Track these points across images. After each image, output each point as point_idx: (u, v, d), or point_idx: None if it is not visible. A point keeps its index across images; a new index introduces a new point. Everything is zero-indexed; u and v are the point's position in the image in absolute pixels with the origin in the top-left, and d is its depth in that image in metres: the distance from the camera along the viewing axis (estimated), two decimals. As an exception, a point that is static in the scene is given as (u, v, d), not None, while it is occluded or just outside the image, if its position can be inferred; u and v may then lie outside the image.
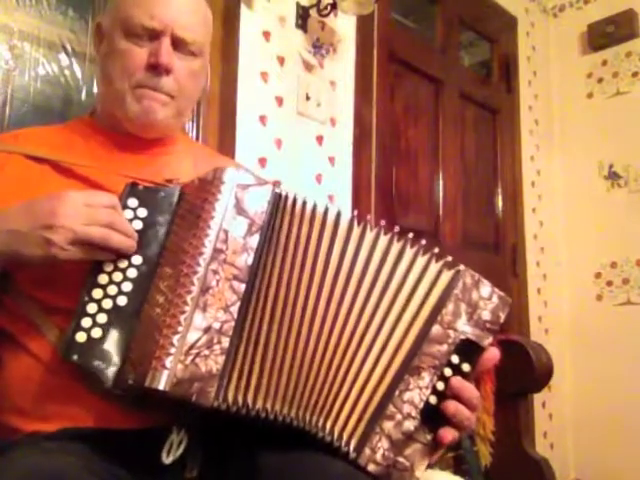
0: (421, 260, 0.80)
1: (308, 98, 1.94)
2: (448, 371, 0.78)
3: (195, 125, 1.70)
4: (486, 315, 0.80)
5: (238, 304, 0.72)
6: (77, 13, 1.50)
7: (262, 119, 1.82)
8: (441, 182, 2.46)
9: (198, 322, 0.69)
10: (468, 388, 0.78)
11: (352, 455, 0.75)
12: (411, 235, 0.81)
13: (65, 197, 0.72)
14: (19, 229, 0.72)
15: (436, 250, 0.81)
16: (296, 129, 1.91)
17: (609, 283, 2.76)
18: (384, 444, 0.75)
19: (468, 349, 0.78)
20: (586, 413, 2.75)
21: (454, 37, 2.67)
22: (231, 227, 0.73)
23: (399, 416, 0.76)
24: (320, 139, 1.99)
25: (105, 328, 0.72)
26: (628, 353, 2.63)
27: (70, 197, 0.72)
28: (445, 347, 0.78)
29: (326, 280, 0.77)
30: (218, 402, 0.69)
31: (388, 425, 0.75)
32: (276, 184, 0.79)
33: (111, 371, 0.71)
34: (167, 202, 0.78)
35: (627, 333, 2.65)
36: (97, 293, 0.73)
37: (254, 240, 0.74)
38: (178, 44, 0.91)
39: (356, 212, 0.81)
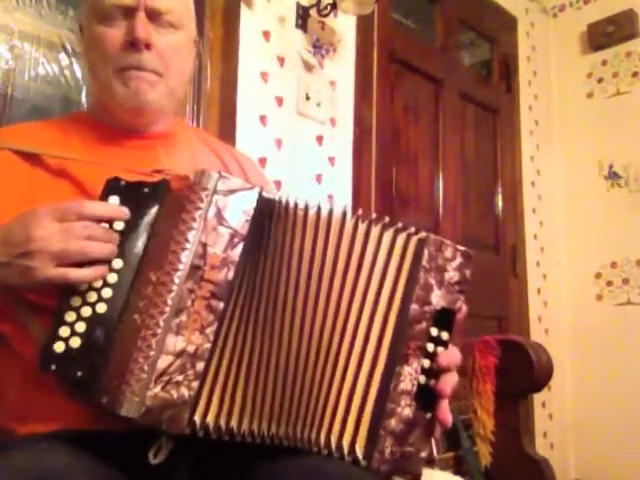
0: (387, 236, 0.76)
1: (308, 98, 1.94)
2: (430, 346, 0.76)
3: (195, 125, 1.70)
4: (454, 276, 0.77)
5: (215, 325, 0.68)
6: (77, 13, 1.50)
7: (262, 119, 1.82)
8: (441, 182, 2.46)
9: (170, 346, 0.66)
10: (452, 359, 0.77)
11: (363, 463, 0.72)
12: (374, 215, 0.77)
13: (37, 218, 0.69)
14: None
15: (399, 224, 0.77)
16: (296, 129, 1.91)
17: (609, 283, 2.76)
18: (390, 442, 0.73)
19: (444, 317, 0.77)
20: (586, 413, 2.75)
21: (454, 37, 2.67)
22: (210, 240, 0.69)
23: (398, 409, 0.74)
24: (320, 139, 1.98)
25: (84, 337, 0.68)
26: (628, 353, 2.63)
27: (42, 216, 0.69)
28: (424, 324, 0.76)
29: (311, 285, 0.73)
30: (194, 428, 0.67)
31: (390, 422, 0.73)
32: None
33: (90, 383, 0.67)
34: (151, 199, 0.73)
35: (627, 333, 2.65)
36: (75, 300, 0.69)
37: (236, 252, 0.70)
38: (153, 16, 0.86)
39: (361, 211, 0.77)
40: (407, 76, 2.39)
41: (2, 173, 0.82)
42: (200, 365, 0.67)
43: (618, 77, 2.84)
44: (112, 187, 0.73)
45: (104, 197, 0.73)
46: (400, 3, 2.45)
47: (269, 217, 0.73)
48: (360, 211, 0.77)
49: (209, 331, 0.68)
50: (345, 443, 0.73)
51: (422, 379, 0.75)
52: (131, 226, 0.72)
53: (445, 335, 0.77)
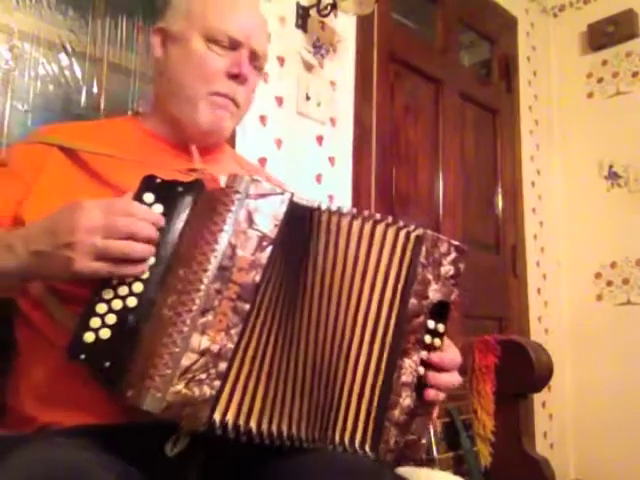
0: (390, 235, 0.80)
1: (308, 98, 1.94)
2: (428, 338, 0.80)
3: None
4: (449, 270, 0.81)
5: (240, 326, 0.69)
6: (77, 13, 1.50)
7: (262, 119, 1.82)
8: (441, 182, 2.46)
9: (195, 345, 0.67)
10: (447, 356, 0.81)
11: (371, 456, 0.76)
12: (378, 215, 0.80)
13: (83, 210, 0.70)
14: (41, 249, 0.70)
15: (401, 223, 0.81)
16: (296, 129, 1.91)
17: (609, 283, 2.76)
18: (394, 432, 0.77)
19: (440, 310, 0.80)
20: (586, 413, 2.75)
21: (454, 37, 2.67)
22: (240, 242, 0.70)
23: (400, 400, 0.78)
24: (320, 139, 1.98)
25: (114, 329, 0.70)
26: (628, 353, 2.63)
27: (88, 209, 0.70)
28: (422, 317, 0.79)
29: (326, 289, 0.76)
30: (213, 426, 0.68)
31: (394, 414, 0.77)
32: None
33: (117, 375, 0.69)
34: (185, 198, 0.74)
35: (627, 333, 2.65)
36: (107, 293, 0.70)
37: (264, 256, 0.71)
38: (253, 57, 0.96)
39: (367, 212, 0.80)
40: (407, 76, 2.39)
41: (55, 172, 0.86)
42: (223, 365, 0.68)
43: (618, 77, 2.84)
44: (147, 184, 0.74)
45: (140, 194, 0.74)
46: (400, 3, 2.45)
47: (298, 223, 0.75)
48: (366, 212, 0.80)
49: (233, 332, 0.69)
50: (357, 438, 0.77)
51: (421, 370, 0.79)
52: (164, 223, 0.73)
53: (441, 327, 0.81)
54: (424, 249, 0.79)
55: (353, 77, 2.12)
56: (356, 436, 0.76)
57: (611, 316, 2.72)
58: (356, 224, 0.78)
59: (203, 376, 0.67)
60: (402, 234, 0.80)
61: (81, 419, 0.76)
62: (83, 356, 0.69)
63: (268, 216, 0.72)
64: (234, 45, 0.93)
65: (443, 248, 0.81)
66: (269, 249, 0.71)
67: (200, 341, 0.67)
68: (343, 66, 2.09)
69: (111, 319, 0.70)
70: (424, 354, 0.79)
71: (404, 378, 0.78)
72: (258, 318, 0.72)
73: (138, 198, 0.73)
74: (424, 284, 0.79)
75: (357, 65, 2.13)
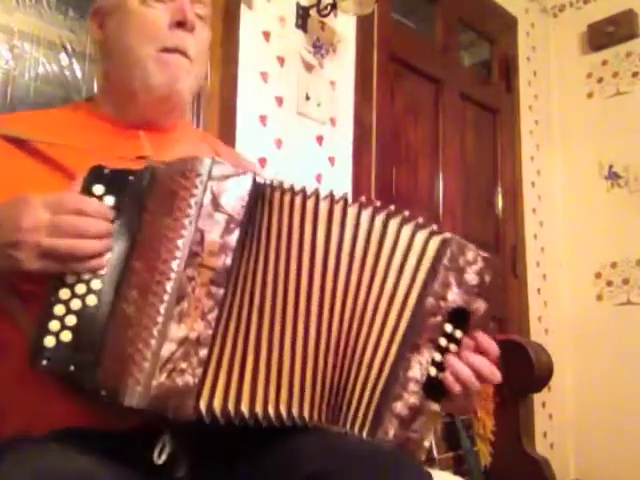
0: (406, 230, 0.79)
1: (308, 98, 1.94)
2: (443, 341, 0.78)
3: (195, 125, 1.70)
4: (472, 279, 0.79)
5: (216, 311, 0.67)
6: (77, 13, 1.50)
7: (262, 119, 1.82)
8: (441, 182, 2.46)
9: (173, 334, 0.65)
10: (467, 361, 0.79)
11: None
12: (392, 207, 0.79)
13: (28, 207, 0.67)
14: None
15: (420, 219, 0.80)
16: (296, 129, 1.91)
17: (609, 283, 2.76)
18: (394, 424, 0.76)
19: (459, 316, 0.78)
20: (586, 413, 2.75)
21: (454, 37, 2.67)
22: (207, 226, 0.67)
23: (405, 395, 0.76)
24: (320, 139, 1.98)
25: (75, 331, 0.66)
26: (628, 353, 2.63)
27: (33, 206, 0.67)
28: (439, 318, 0.78)
29: (315, 269, 0.74)
30: (201, 414, 0.67)
31: (397, 405, 0.76)
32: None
33: (84, 377, 0.66)
34: (137, 187, 0.71)
35: (627, 333, 2.65)
36: (64, 293, 0.67)
37: (233, 238, 0.68)
38: (194, 3, 0.90)
39: (364, 197, 0.79)
40: (407, 76, 2.39)
41: None
42: (203, 352, 0.66)
43: (618, 77, 2.83)
44: (95, 175, 0.71)
45: (88, 186, 0.70)
46: (400, 3, 2.45)
47: (263, 203, 0.73)
48: (378, 203, 0.79)
49: (210, 317, 0.67)
50: (357, 422, 0.76)
51: (432, 371, 0.77)
52: (118, 215, 0.70)
53: (458, 333, 0.79)
54: (449, 252, 0.79)
55: (353, 77, 2.12)
56: (356, 420, 0.76)
57: (611, 316, 2.72)
58: (353, 210, 0.78)
59: (184, 365, 0.65)
60: (421, 233, 0.79)
61: (60, 423, 0.73)
62: (45, 362, 0.66)
63: (233, 197, 0.69)
64: None
65: (470, 256, 0.80)
66: (237, 231, 0.69)
67: (177, 330, 0.65)
68: (343, 66, 2.08)
69: (71, 320, 0.67)
70: (437, 356, 0.77)
71: (412, 373, 0.76)
72: (234, 302, 0.70)
73: (87, 191, 0.70)
74: (444, 286, 0.78)
75: (357, 65, 2.13)
